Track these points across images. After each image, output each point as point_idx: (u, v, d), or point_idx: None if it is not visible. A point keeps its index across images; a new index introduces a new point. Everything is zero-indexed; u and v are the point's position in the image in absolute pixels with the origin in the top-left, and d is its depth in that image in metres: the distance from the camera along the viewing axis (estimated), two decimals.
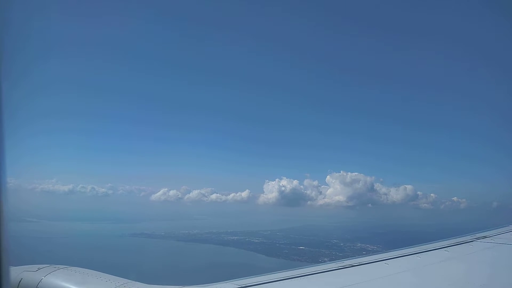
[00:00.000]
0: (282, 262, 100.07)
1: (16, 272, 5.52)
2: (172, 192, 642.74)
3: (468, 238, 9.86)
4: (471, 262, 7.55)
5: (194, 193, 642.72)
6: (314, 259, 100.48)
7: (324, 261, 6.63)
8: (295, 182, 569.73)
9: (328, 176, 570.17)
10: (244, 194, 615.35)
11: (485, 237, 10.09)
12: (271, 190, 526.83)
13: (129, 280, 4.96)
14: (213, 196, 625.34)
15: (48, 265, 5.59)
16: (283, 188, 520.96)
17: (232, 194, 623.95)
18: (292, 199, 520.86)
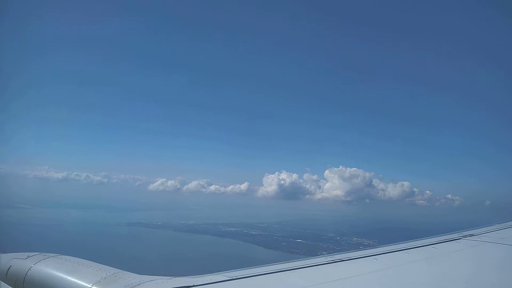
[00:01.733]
0: (281, 255, 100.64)
1: (5, 260, 5.50)
2: (170, 183, 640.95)
3: (455, 235, 9.97)
4: (457, 260, 7.71)
5: (193, 184, 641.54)
6: (312, 252, 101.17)
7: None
8: (295, 176, 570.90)
9: (326, 171, 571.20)
10: (243, 186, 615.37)
11: (472, 235, 10.22)
12: (270, 183, 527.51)
13: (120, 270, 4.88)
14: (212, 187, 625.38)
15: (38, 253, 5.52)
16: (282, 182, 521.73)
17: (231, 186, 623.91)
18: (290, 193, 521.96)
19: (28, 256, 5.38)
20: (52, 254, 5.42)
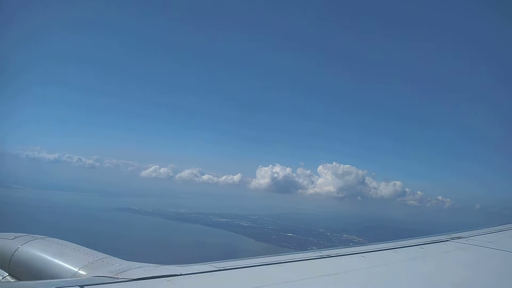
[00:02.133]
0: (271, 248, 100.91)
1: None
2: (163, 170, 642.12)
3: (444, 237, 9.88)
4: (444, 261, 7.58)
5: (186, 173, 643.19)
6: (302, 247, 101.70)
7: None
8: (288, 169, 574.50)
9: (320, 166, 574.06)
10: (236, 177, 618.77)
11: (460, 237, 10.14)
12: (264, 175, 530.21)
13: (108, 255, 4.89)
14: (205, 177, 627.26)
15: (26, 234, 5.50)
16: (275, 175, 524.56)
17: (224, 177, 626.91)
18: (283, 186, 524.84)
19: (16, 237, 5.35)
20: (40, 236, 5.40)
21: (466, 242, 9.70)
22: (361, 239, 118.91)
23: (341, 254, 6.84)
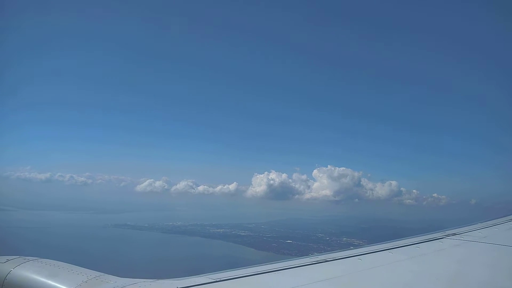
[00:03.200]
0: (272, 256, 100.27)
1: None
2: (158, 183, 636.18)
3: (439, 235, 10.13)
4: (440, 259, 7.75)
5: (181, 185, 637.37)
6: (304, 253, 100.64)
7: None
8: (284, 175, 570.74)
9: (315, 170, 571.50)
10: (232, 186, 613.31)
11: (455, 234, 10.38)
12: (260, 183, 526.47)
13: (102, 273, 4.80)
14: (200, 188, 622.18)
15: (18, 256, 5.34)
16: (271, 182, 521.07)
17: (220, 187, 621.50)
18: (279, 193, 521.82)
19: (8, 260, 5.23)
20: (32, 258, 5.30)
21: (461, 238, 9.95)
22: (361, 242, 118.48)
23: (337, 258, 6.92)
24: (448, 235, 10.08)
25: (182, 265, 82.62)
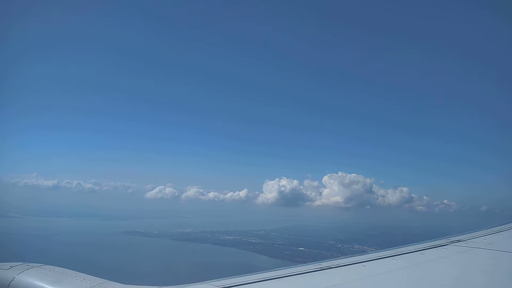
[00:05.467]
0: (287, 264, 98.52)
1: None
2: (168, 190, 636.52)
3: (443, 241, 10.08)
4: (444, 266, 7.66)
5: (192, 191, 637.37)
6: (317, 261, 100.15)
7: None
8: (295, 182, 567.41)
9: (325, 177, 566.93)
10: (242, 193, 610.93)
11: (459, 240, 10.31)
12: (271, 190, 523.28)
13: (106, 280, 4.82)
14: (211, 194, 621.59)
15: (22, 263, 5.39)
16: (282, 188, 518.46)
17: (230, 193, 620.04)
18: (290, 199, 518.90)
19: (12, 266, 5.27)
20: (36, 264, 5.33)
21: (466, 245, 9.87)
22: (373, 249, 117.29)
23: (341, 264, 6.89)
24: (452, 242, 10.06)
25: (198, 274, 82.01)
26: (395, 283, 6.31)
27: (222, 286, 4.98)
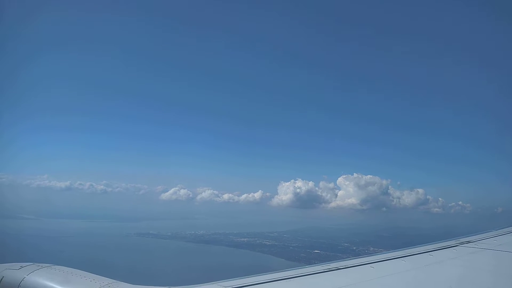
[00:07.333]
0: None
1: None
2: (183, 191, 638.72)
3: (453, 242, 10.10)
4: (453, 267, 7.64)
5: (207, 193, 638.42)
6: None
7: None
8: (311, 183, 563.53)
9: (340, 178, 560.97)
10: (257, 195, 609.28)
11: (469, 242, 10.33)
12: (286, 191, 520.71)
13: (115, 280, 4.83)
14: (225, 196, 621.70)
15: (32, 263, 5.39)
16: (298, 190, 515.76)
17: (245, 195, 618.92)
18: (305, 201, 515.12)
19: (22, 267, 5.28)
20: (46, 265, 5.36)
21: (476, 246, 9.99)
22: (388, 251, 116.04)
23: (349, 265, 6.87)
24: (462, 243, 10.10)
25: (211, 275, 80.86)
26: (403, 284, 6.34)
27: (229, 287, 5.01)
